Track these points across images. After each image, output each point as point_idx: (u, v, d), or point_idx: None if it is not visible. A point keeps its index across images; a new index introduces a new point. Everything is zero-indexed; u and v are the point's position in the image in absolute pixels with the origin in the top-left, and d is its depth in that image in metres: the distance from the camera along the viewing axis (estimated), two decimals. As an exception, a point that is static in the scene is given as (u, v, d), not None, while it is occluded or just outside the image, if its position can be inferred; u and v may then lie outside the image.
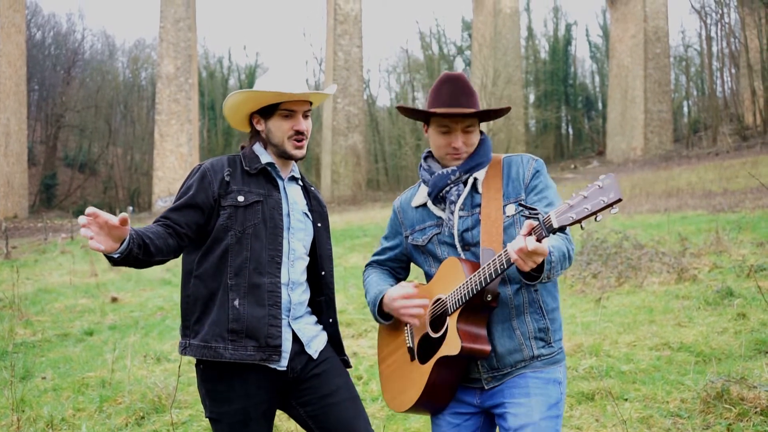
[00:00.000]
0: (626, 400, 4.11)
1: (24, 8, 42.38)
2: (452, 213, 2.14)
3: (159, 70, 40.01)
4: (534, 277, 1.89)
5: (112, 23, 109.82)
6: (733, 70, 45.97)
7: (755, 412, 3.53)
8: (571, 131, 60.82)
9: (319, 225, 2.41)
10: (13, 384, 4.39)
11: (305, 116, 2.32)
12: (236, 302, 2.16)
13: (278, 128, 2.29)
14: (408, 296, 2.14)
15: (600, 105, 58.78)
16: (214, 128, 55.29)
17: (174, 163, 38.78)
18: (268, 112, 2.30)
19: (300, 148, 2.31)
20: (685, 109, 56.07)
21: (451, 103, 2.08)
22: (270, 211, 2.25)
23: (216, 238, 2.21)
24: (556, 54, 57.86)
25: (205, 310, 2.19)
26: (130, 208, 40.23)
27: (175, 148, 39.22)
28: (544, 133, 55.51)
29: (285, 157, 2.32)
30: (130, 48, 67.27)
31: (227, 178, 2.24)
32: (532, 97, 56.23)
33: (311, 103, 2.35)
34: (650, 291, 7.31)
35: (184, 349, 2.23)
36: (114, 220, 1.80)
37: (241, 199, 2.22)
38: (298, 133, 2.29)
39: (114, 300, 9.87)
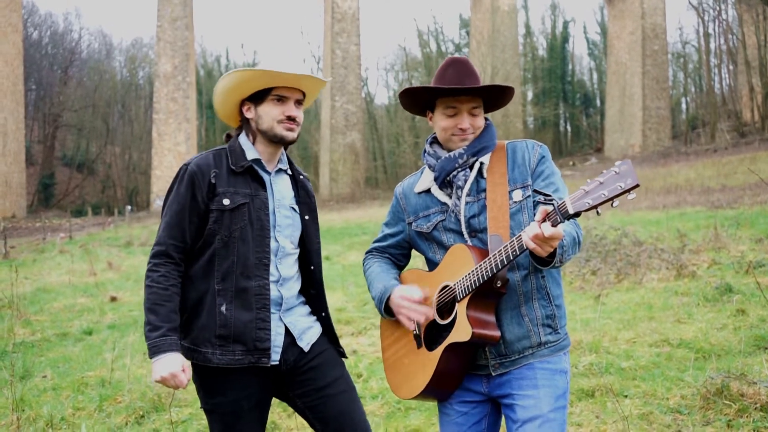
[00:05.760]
0: (626, 396, 4.11)
1: (20, 7, 42.32)
2: (459, 198, 2.12)
3: (156, 69, 39.98)
4: (547, 261, 1.90)
5: (109, 22, 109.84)
6: (730, 67, 46.03)
7: (755, 408, 3.53)
8: (569, 128, 60.84)
9: (306, 217, 2.37)
10: (13, 383, 4.37)
11: (297, 105, 2.29)
12: (223, 308, 2.16)
13: (268, 113, 2.24)
14: (412, 300, 2.12)
15: (598, 102, 58.81)
16: (212, 127, 55.25)
17: (172, 162, 38.78)
18: (259, 97, 2.26)
19: (291, 130, 2.26)
20: (683, 106, 56.13)
21: (458, 83, 2.07)
22: (256, 212, 2.22)
23: (205, 242, 2.20)
24: (554, 51, 57.87)
25: (194, 313, 2.19)
26: (129, 207, 40.17)
27: (173, 147, 39.22)
28: (542, 130, 55.52)
29: (275, 141, 2.26)
30: (127, 47, 67.40)
31: (213, 180, 2.20)
32: (530, 95, 56.18)
33: (304, 95, 2.31)
34: (649, 287, 7.31)
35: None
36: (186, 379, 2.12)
37: (227, 202, 2.18)
38: (290, 118, 2.25)
39: (113, 299, 9.85)
